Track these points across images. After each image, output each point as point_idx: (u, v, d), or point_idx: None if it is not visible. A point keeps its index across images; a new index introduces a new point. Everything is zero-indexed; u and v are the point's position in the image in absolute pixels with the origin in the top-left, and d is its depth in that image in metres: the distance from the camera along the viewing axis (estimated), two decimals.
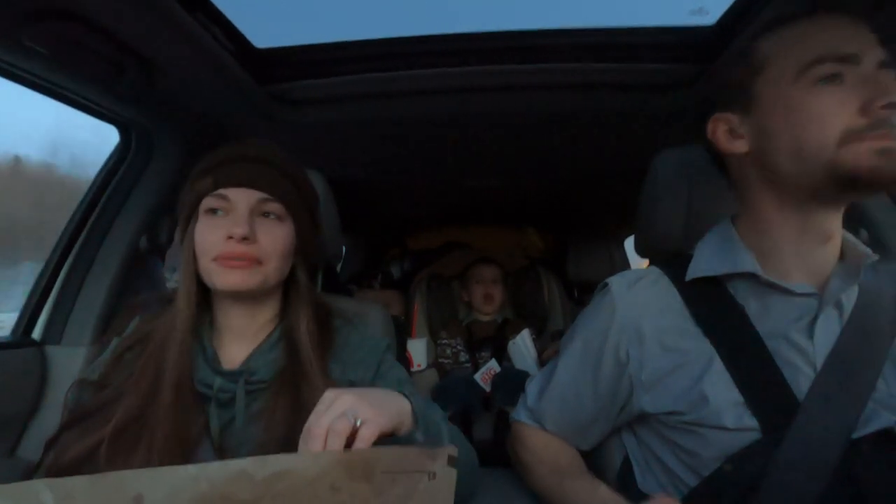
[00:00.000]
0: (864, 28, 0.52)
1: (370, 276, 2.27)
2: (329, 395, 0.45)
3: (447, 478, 0.44)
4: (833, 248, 0.56)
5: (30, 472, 0.58)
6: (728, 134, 0.59)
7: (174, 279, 1.14)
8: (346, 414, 0.43)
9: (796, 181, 0.54)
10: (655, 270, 0.65)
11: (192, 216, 0.62)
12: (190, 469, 0.38)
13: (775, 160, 0.55)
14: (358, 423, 0.43)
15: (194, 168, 0.64)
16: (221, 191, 0.60)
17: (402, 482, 0.42)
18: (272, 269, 0.62)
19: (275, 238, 0.61)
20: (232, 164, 0.62)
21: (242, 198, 0.60)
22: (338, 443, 0.41)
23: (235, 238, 0.58)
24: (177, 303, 0.62)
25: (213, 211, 0.61)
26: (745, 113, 0.57)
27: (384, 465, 0.42)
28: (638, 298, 0.62)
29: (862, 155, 0.48)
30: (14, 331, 0.97)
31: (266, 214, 0.62)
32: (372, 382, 0.65)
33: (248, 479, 0.39)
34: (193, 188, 0.62)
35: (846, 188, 0.51)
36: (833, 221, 0.55)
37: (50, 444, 0.57)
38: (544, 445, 0.69)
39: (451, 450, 0.45)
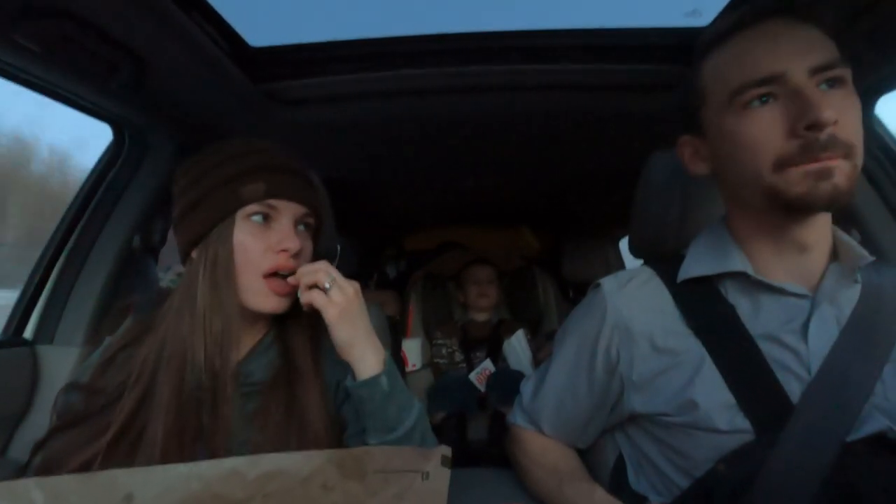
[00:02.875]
0: (800, 32, 0.51)
1: (366, 276, 2.27)
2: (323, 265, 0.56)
3: (441, 478, 0.44)
4: (819, 253, 0.56)
5: (20, 473, 0.57)
6: (693, 156, 0.62)
7: (167, 279, 1.13)
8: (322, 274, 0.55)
9: (749, 203, 0.55)
10: (647, 270, 0.65)
11: (224, 217, 0.58)
12: (181, 468, 0.38)
13: (728, 185, 0.58)
14: (328, 287, 0.54)
15: (217, 165, 0.59)
16: (272, 200, 0.58)
17: (395, 482, 0.43)
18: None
19: (308, 251, 0.63)
20: (280, 173, 0.60)
21: (289, 210, 0.60)
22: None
23: (289, 252, 0.58)
24: (192, 311, 0.57)
25: (261, 217, 0.58)
26: (701, 138, 0.59)
27: (377, 465, 0.42)
28: (629, 299, 0.62)
29: (794, 181, 0.49)
30: (5, 330, 0.97)
31: (304, 227, 0.62)
32: None
33: (240, 478, 0.39)
34: (237, 190, 0.57)
35: (790, 211, 0.51)
36: (810, 230, 0.54)
37: (37, 448, 0.57)
38: (542, 449, 0.69)
39: (445, 450, 0.45)
